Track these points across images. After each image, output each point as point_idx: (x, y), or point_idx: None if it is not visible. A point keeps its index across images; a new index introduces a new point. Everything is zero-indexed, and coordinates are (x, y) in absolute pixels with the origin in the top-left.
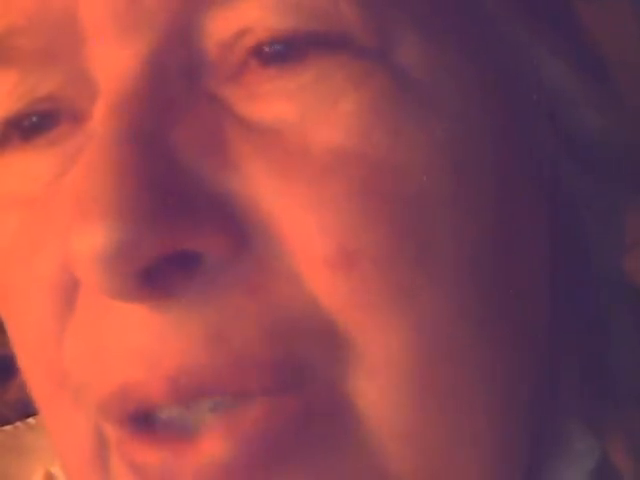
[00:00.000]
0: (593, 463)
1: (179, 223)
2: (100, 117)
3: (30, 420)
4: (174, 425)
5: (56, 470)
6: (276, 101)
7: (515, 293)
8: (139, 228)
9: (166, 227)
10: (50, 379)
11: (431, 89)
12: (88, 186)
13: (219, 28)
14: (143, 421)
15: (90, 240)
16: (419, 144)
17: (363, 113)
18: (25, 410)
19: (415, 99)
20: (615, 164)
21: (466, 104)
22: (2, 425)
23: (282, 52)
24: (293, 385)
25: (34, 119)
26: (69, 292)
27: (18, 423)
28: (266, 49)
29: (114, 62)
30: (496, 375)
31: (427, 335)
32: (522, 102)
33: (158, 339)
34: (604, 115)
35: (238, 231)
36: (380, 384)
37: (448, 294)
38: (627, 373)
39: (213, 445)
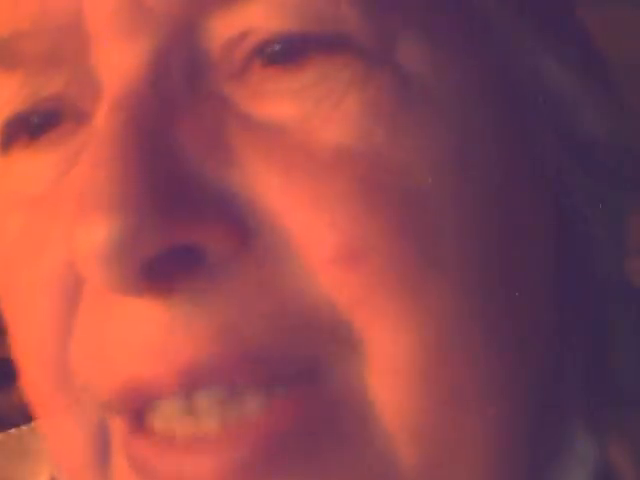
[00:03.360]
0: (595, 466)
1: (180, 217)
2: (103, 115)
3: (34, 423)
4: (182, 429)
5: (60, 475)
6: (279, 100)
7: (520, 291)
8: (139, 221)
9: (167, 220)
10: (50, 380)
11: (432, 88)
12: (90, 181)
13: (222, 29)
14: (148, 422)
15: (92, 233)
16: (421, 142)
17: (366, 112)
18: (30, 413)
19: (417, 98)
20: (619, 167)
21: (467, 103)
22: (7, 428)
23: (285, 52)
24: (302, 381)
25: (37, 119)
26: (73, 291)
27: (23, 426)
28: (269, 49)
29: (118, 61)
30: (503, 371)
31: (435, 329)
32: (525, 104)
33: (165, 333)
34: (608, 118)
35: (241, 227)
36: (390, 379)
37: (455, 289)
38: (630, 376)
39: (223, 449)
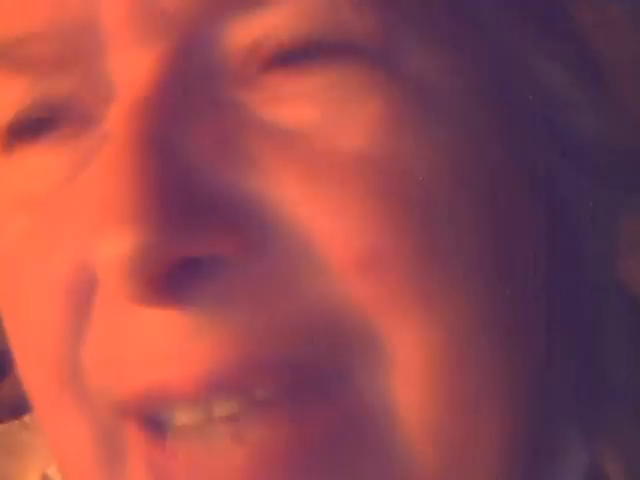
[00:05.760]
0: (586, 471)
1: (202, 226)
2: (119, 121)
3: (25, 418)
4: (200, 435)
5: (52, 471)
6: (297, 103)
7: (516, 294)
8: (165, 231)
9: (189, 230)
10: (55, 381)
11: (436, 95)
12: (113, 191)
13: (239, 34)
14: (164, 427)
15: (116, 246)
16: (425, 148)
17: (386, 120)
18: (20, 408)
19: (424, 106)
20: (611, 167)
21: (467, 109)
22: None
23: (302, 55)
24: (324, 386)
25: (45, 116)
26: (85, 294)
27: (13, 421)
28: (287, 53)
29: (134, 67)
30: (512, 374)
31: (455, 332)
32: (519, 105)
33: (184, 340)
34: (600, 118)
35: (261, 233)
36: (412, 380)
37: (467, 288)
38: (621, 379)
39: (241, 455)
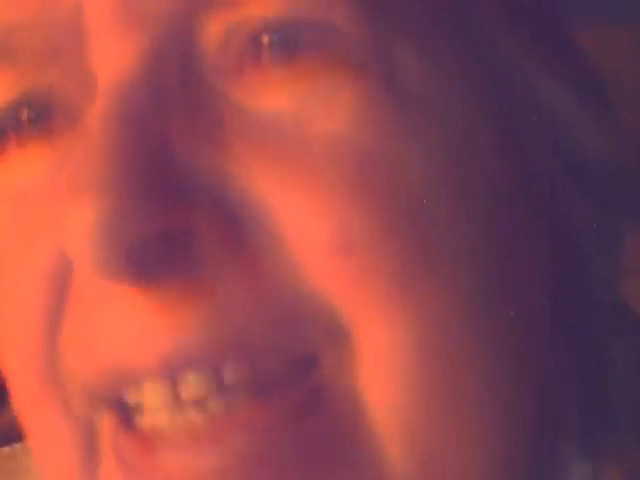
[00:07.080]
0: None
1: (170, 202)
2: (100, 114)
3: (27, 442)
4: (169, 425)
5: None
6: (273, 92)
7: (511, 298)
8: (129, 204)
9: (156, 205)
10: (37, 374)
11: (424, 96)
12: (81, 166)
13: (218, 24)
14: (136, 420)
15: (81, 215)
16: (412, 146)
17: (359, 106)
18: (22, 432)
19: (407, 103)
20: (614, 186)
21: (464, 118)
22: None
23: (279, 41)
24: (290, 375)
25: (28, 112)
26: (62, 283)
27: (15, 444)
28: (263, 38)
29: (114, 56)
30: (499, 379)
31: (425, 325)
32: (521, 123)
33: (151, 318)
34: (602, 137)
35: (232, 215)
36: (379, 372)
37: (446, 285)
38: (624, 399)
39: (209, 447)
